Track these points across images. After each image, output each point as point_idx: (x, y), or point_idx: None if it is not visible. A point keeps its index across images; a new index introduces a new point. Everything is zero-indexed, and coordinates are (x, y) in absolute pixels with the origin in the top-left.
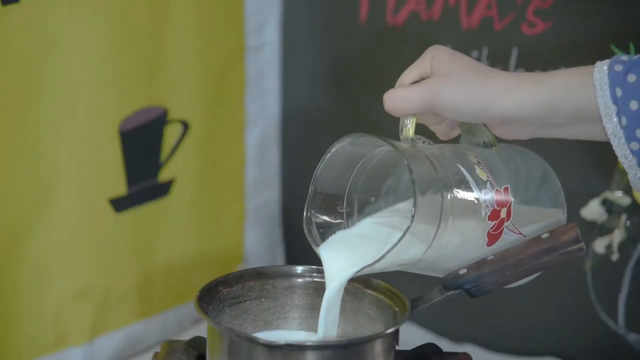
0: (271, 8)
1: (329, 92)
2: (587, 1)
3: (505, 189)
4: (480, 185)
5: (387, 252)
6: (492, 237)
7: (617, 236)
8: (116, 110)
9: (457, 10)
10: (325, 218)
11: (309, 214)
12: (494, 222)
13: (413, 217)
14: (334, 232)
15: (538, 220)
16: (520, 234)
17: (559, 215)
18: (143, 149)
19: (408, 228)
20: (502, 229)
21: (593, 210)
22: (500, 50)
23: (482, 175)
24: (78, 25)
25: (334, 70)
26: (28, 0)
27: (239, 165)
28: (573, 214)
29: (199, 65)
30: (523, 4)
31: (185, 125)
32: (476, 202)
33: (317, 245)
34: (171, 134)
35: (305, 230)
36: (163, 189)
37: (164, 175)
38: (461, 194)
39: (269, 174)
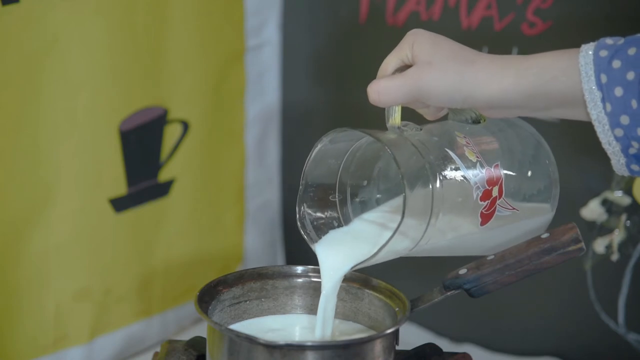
0: (271, 8)
1: (329, 92)
2: (586, 1)
3: (496, 167)
4: (470, 167)
5: (381, 247)
6: (485, 217)
7: (617, 236)
8: (116, 110)
9: (457, 10)
10: (319, 212)
11: (302, 210)
12: (486, 202)
13: (404, 213)
14: (328, 225)
15: (531, 193)
16: (514, 209)
17: (552, 188)
18: (143, 149)
19: (399, 225)
20: (495, 208)
21: (593, 210)
22: (500, 50)
23: (472, 156)
24: (78, 25)
25: (334, 70)
26: (28, 0)
27: (239, 165)
28: (573, 214)
29: (199, 65)
30: (523, 4)
31: (185, 125)
32: (467, 185)
33: (312, 241)
34: (171, 134)
35: (299, 226)
36: (163, 189)
37: (164, 175)
38: (451, 179)
39: (269, 174)
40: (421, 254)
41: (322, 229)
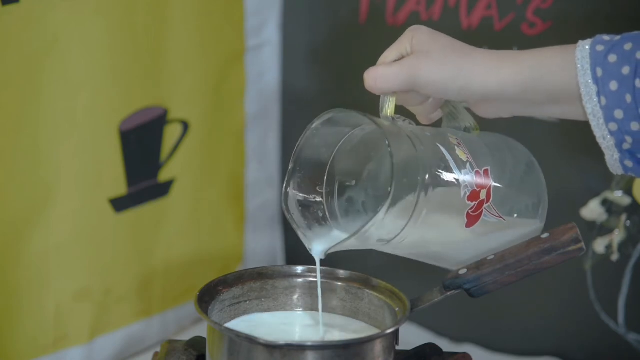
0: (271, 8)
1: (329, 92)
2: (586, 1)
3: (485, 171)
4: (460, 165)
5: (362, 226)
6: (472, 219)
7: (617, 236)
8: (116, 110)
9: (457, 10)
10: (305, 195)
11: (287, 190)
12: (474, 203)
13: (391, 192)
14: (313, 214)
15: (519, 207)
16: (500, 217)
17: (539, 207)
18: (143, 149)
19: (384, 205)
20: (482, 211)
21: (593, 210)
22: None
23: (462, 155)
24: (78, 25)
25: (334, 71)
26: (28, 0)
27: (239, 165)
28: (573, 214)
29: (199, 65)
30: (523, 4)
31: (185, 125)
32: (456, 182)
33: (295, 223)
34: (171, 134)
35: (283, 207)
36: (163, 189)
37: (164, 175)
38: (440, 173)
39: (269, 173)
40: (403, 252)
41: (307, 216)
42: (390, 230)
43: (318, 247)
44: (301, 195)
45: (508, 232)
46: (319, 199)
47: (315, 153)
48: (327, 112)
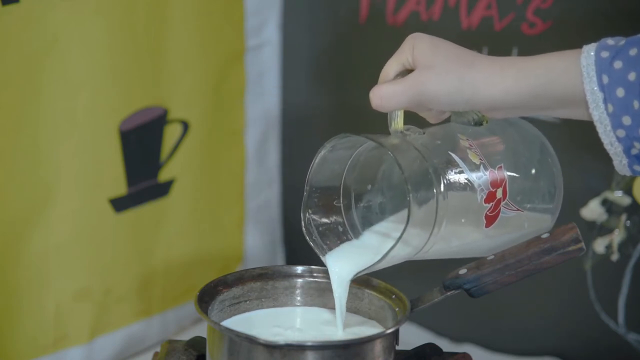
0: (271, 8)
1: (329, 92)
2: (586, 1)
3: (499, 168)
4: (474, 169)
5: (384, 255)
6: (490, 219)
7: (617, 236)
8: (116, 110)
9: (457, 10)
10: (323, 218)
11: (307, 216)
12: (491, 204)
13: (408, 218)
14: (333, 230)
15: (535, 194)
16: (518, 209)
17: (556, 190)
18: (143, 149)
19: (403, 231)
20: (499, 209)
21: (593, 210)
22: (500, 50)
23: (475, 158)
24: (78, 25)
25: (334, 71)
26: (28, 0)
27: (239, 165)
28: (573, 214)
29: (199, 65)
30: (523, 4)
31: (185, 125)
32: (471, 188)
33: (318, 247)
34: (171, 134)
35: (305, 232)
36: (163, 189)
37: (164, 175)
38: (455, 182)
39: (269, 174)
40: (426, 257)
41: (327, 234)
42: (414, 246)
43: (344, 276)
44: (320, 217)
45: (527, 221)
46: (338, 219)
47: (328, 172)
48: (333, 138)
